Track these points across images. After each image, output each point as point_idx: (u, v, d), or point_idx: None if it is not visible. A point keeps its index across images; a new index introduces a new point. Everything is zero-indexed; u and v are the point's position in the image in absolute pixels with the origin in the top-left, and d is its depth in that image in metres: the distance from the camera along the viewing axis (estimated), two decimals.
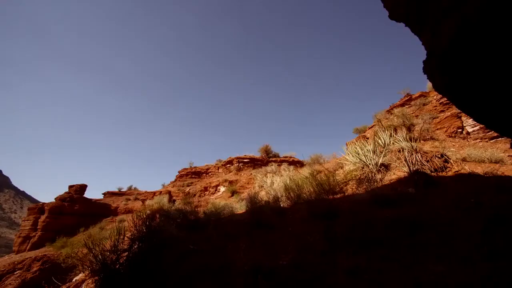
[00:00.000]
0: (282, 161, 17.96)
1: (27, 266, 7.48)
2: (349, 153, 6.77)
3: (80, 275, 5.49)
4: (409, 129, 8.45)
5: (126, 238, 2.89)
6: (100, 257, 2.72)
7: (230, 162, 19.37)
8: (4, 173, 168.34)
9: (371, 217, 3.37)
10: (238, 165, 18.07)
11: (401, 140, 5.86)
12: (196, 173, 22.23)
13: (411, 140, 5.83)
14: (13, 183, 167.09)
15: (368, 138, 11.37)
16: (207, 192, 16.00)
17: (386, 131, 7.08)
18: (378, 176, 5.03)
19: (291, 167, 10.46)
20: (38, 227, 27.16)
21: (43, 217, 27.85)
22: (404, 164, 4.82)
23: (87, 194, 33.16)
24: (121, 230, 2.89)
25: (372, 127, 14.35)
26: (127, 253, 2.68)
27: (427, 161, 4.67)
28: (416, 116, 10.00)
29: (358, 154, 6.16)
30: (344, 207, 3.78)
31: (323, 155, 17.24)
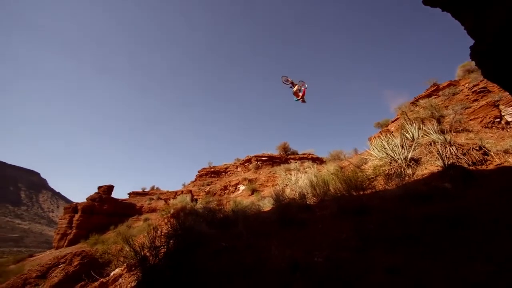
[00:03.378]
0: (301, 158, 17.76)
1: (69, 260, 8.13)
2: (374, 148, 6.54)
3: (117, 269, 5.85)
4: (439, 121, 7.96)
5: (161, 236, 3.03)
6: (139, 253, 2.89)
7: (248, 160, 19.50)
8: (42, 176, 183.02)
9: (405, 214, 3.25)
10: (256, 164, 18.16)
11: (431, 132, 5.55)
12: (215, 173, 22.67)
13: (442, 132, 5.50)
14: (49, 185, 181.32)
15: (392, 132, 10.88)
16: (227, 191, 16.27)
17: (414, 124, 6.74)
18: (409, 171, 4.82)
19: (314, 164, 10.31)
20: (73, 225, 29.31)
21: (77, 216, 30.00)
22: (437, 157, 4.57)
23: (113, 194, 35.25)
24: (157, 228, 3.04)
25: (395, 120, 13.72)
26: (164, 249, 2.82)
27: (464, 154, 4.38)
28: (445, 107, 9.39)
29: (385, 148, 5.93)
30: (375, 203, 3.67)
31: (344, 151, 16.80)
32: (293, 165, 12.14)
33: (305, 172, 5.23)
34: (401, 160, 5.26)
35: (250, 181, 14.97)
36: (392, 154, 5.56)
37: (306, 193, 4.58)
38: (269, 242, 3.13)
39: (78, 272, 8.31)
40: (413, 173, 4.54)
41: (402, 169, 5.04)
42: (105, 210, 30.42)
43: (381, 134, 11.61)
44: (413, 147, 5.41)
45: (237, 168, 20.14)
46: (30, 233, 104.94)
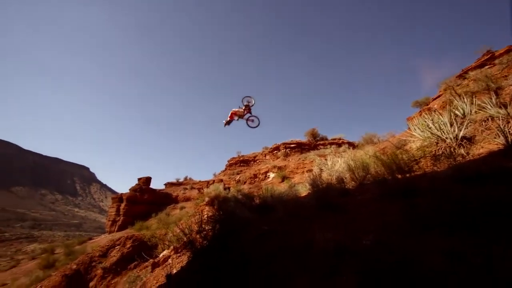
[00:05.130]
0: (330, 144, 17.18)
1: (123, 243, 9.16)
2: (416, 128, 6.02)
3: (165, 251, 6.46)
4: (496, 93, 6.97)
5: (207, 220, 3.21)
6: (189, 235, 3.12)
7: (276, 148, 19.48)
8: (91, 170, 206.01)
9: (460, 196, 2.97)
10: (285, 151, 18.05)
11: (488, 106, 4.90)
12: (244, 162, 23.15)
13: (502, 106, 4.82)
14: (97, 178, 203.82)
15: (435, 110, 9.86)
16: (256, 179, 16.58)
17: (464, 99, 6.00)
18: (461, 151, 4.35)
19: (350, 148, 9.92)
20: (120, 213, 32.70)
21: (122, 205, 33.32)
22: (497, 134, 4.04)
23: (151, 185, 38.38)
24: (202, 213, 3.22)
25: (438, 97, 12.38)
26: (211, 232, 2.99)
27: None
28: (504, 77, 8.14)
29: (430, 128, 5.41)
30: (424, 186, 3.42)
31: (377, 135, 15.80)
32: (328, 149, 11.79)
33: (341, 156, 5.05)
34: (451, 139, 4.77)
35: (280, 168, 15.00)
36: (439, 133, 5.07)
37: (344, 177, 4.44)
38: (310, 226, 3.13)
39: (131, 253, 9.35)
40: (467, 153, 4.10)
41: (452, 149, 4.58)
42: (145, 199, 33.31)
43: (422, 113, 10.61)
44: (465, 124, 4.85)
45: (265, 156, 20.28)
46: (87, 220, 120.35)
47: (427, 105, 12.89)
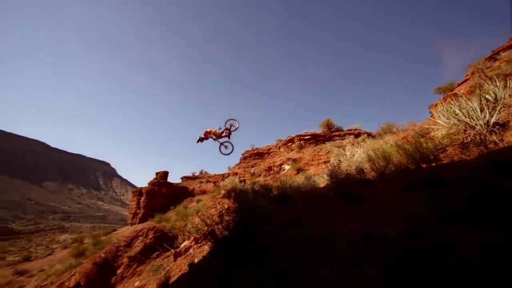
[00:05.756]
0: (346, 134, 16.73)
1: (145, 233, 9.63)
2: (440, 115, 5.68)
3: (186, 242, 6.71)
4: None
5: (228, 211, 3.27)
6: (210, 226, 3.21)
7: (291, 140, 19.31)
8: (112, 166, 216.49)
9: (492, 186, 2.79)
10: (299, 143, 17.86)
11: None
12: (258, 154, 23.23)
13: None
14: (118, 173, 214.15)
15: (461, 96, 9.23)
16: (271, 172, 16.61)
17: (496, 82, 5.55)
18: (492, 138, 4.06)
19: (369, 138, 9.63)
20: (141, 206, 34.21)
21: (142, 198, 34.81)
22: None
23: (168, 179, 39.69)
24: (222, 205, 3.28)
25: (464, 81, 11.57)
26: (232, 222, 3.05)
27: None
28: None
29: (457, 114, 5.08)
30: (452, 175, 3.25)
31: (396, 124, 15.17)
32: (346, 140, 11.52)
33: (360, 146, 4.91)
34: (481, 125, 4.46)
35: (295, 160, 14.89)
36: (467, 120, 4.75)
37: (363, 168, 4.32)
38: (331, 216, 3.10)
39: (153, 243, 9.81)
40: (501, 140, 3.82)
41: (482, 136, 4.28)
42: (163, 193, 34.54)
43: (446, 99, 10.00)
44: (497, 109, 4.51)
45: (279, 148, 20.19)
46: (110, 212, 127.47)
47: (452, 90, 12.11)
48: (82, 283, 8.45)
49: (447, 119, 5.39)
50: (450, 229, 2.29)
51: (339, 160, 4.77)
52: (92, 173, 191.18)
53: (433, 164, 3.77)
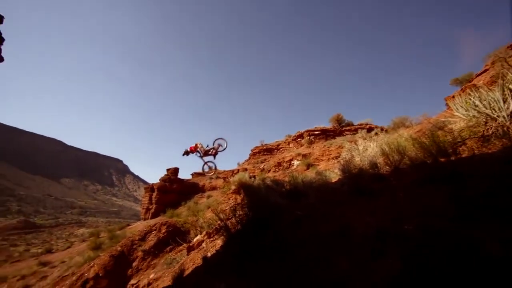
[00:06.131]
0: (357, 129, 16.39)
1: (158, 228, 9.89)
2: (458, 107, 5.45)
3: (198, 236, 6.85)
4: None
5: (241, 205, 3.29)
6: (223, 220, 3.25)
7: (300, 136, 19.14)
8: (124, 163, 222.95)
9: None
10: (309, 138, 17.68)
11: None
12: (267, 150, 23.20)
13: None
14: (130, 170, 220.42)
15: (481, 87, 8.80)
16: (281, 167, 16.58)
17: None
18: None
19: (382, 133, 9.42)
20: (153, 201, 35.09)
21: (154, 194, 35.67)
22: None
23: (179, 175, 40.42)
24: (236, 199, 3.30)
25: (484, 71, 11.01)
26: (245, 217, 3.07)
27: None
28: None
29: (476, 106, 4.86)
30: (472, 169, 3.12)
31: (409, 118, 14.73)
32: (358, 134, 11.31)
33: (373, 140, 4.80)
34: (504, 117, 4.24)
35: (304, 156, 14.77)
36: (488, 112, 4.53)
37: (377, 162, 4.23)
38: (345, 211, 3.06)
39: (166, 237, 10.08)
40: None
41: (505, 128, 4.08)
42: (174, 189, 35.23)
43: (464, 91, 9.57)
44: None
45: (289, 144, 20.08)
46: (124, 208, 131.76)
47: (470, 81, 11.57)
48: (100, 274, 8.83)
49: (466, 111, 5.15)
50: (471, 224, 2.21)
51: (352, 155, 4.69)
52: (106, 170, 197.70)
53: (452, 158, 3.64)
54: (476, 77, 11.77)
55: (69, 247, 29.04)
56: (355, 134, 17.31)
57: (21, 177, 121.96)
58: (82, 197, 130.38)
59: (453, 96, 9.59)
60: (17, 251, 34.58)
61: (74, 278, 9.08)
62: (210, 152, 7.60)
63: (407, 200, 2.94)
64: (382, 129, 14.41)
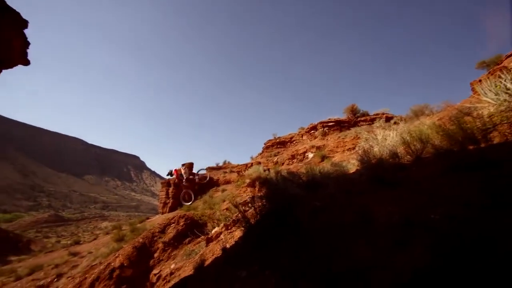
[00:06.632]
0: (373, 120, 15.83)
1: (177, 221, 10.24)
2: (487, 91, 5.09)
3: (216, 228, 7.03)
4: None
5: (260, 197, 3.32)
6: (241, 212, 3.30)
7: (313, 128, 18.83)
8: (141, 159, 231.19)
9: None
10: (323, 130, 17.35)
11: None
12: (281, 143, 23.07)
13: None
14: (147, 165, 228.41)
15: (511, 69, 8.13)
16: (295, 160, 16.48)
17: None
18: None
19: (402, 122, 9.08)
20: (170, 196, 36.23)
21: (171, 189, 36.74)
22: None
23: (193, 170, 41.33)
24: (254, 190, 3.33)
25: None
26: (264, 208, 3.09)
27: None
28: None
29: (508, 89, 4.51)
30: (502, 156, 2.92)
31: (430, 105, 14.01)
32: (377, 123, 10.96)
33: (393, 129, 4.63)
34: None
35: (318, 148, 14.55)
36: None
37: (397, 152, 4.08)
38: (365, 201, 3.00)
39: (184, 230, 10.42)
40: None
41: None
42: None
43: (492, 74, 8.92)
44: None
45: (302, 136, 19.83)
46: (143, 202, 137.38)
47: (499, 64, 10.75)
48: (125, 264, 9.34)
49: (496, 95, 4.81)
50: (502, 213, 2.09)
51: (370, 145, 4.55)
52: (124, 166, 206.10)
53: (482, 145, 3.43)
54: (506, 58, 10.91)
55: (94, 239, 30.88)
56: (370, 124, 16.76)
57: (49, 174, 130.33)
58: (104, 192, 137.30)
59: (480, 80, 8.98)
60: (50, 242, 37.38)
61: (102, 267, 9.68)
62: (190, 181, 7.65)
63: (432, 189, 2.82)
64: (401, 119, 13.85)
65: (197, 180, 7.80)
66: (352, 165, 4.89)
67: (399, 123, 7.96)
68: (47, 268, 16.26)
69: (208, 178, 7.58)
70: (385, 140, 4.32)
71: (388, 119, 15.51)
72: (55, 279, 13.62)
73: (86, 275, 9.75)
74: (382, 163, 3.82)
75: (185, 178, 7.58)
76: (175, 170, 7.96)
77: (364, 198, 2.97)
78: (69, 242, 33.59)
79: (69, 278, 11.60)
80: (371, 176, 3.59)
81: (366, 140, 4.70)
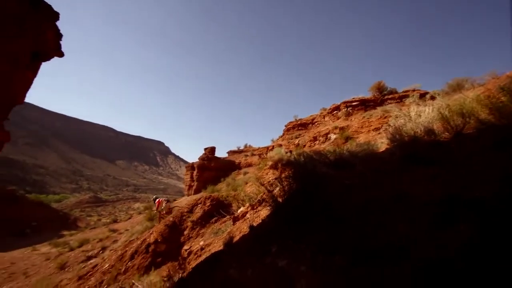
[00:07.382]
0: (402, 97, 14.69)
1: (203, 201, 10.79)
2: None
3: (242, 208, 7.29)
4: None
5: (287, 177, 3.34)
6: (268, 191, 3.36)
7: (336, 108, 18.06)
8: (166, 144, 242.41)
9: None
10: (346, 110, 16.57)
11: None
12: (302, 125, 22.63)
13: None
14: (172, 150, 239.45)
15: None
16: (317, 142, 16.13)
17: None
18: None
19: (440, 96, 8.37)
20: (194, 179, 37.92)
21: (195, 172, 38.35)
22: None
23: (216, 153, 42.52)
24: (282, 170, 3.35)
25: None
26: (294, 186, 3.11)
27: None
28: None
29: None
30: None
31: (470, 78, 12.64)
32: (410, 98, 10.20)
33: (428, 105, 4.28)
34: None
35: (342, 129, 14.02)
36: None
37: (433, 128, 3.80)
38: (399, 179, 2.88)
39: (210, 210, 10.97)
40: None
41: None
42: (212, 167, 37.35)
43: None
44: None
45: (324, 118, 19.18)
46: (169, 185, 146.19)
47: None
48: (159, 240, 10.19)
49: None
50: None
51: (401, 122, 4.28)
52: (151, 152, 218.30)
53: None
54: None
55: (129, 218, 33.91)
56: (399, 102, 15.66)
57: (86, 160, 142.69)
58: (134, 176, 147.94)
59: None
60: (92, 220, 41.82)
61: (138, 242, 10.68)
62: (168, 212, 10.07)
63: (475, 167, 2.61)
64: (437, 93, 12.72)
65: (163, 212, 10.48)
66: (380, 144, 4.66)
67: (436, 97, 7.32)
68: (93, 242, 18.38)
69: (171, 212, 10.07)
70: (419, 116, 4.03)
71: (421, 95, 14.33)
72: (101, 251, 15.40)
73: (126, 249, 10.84)
74: (416, 141, 3.59)
75: (163, 213, 10.43)
76: (158, 199, 10.86)
77: (398, 176, 2.85)
78: (108, 220, 37.32)
79: (112, 251, 13.01)
80: (404, 154, 3.41)
81: (397, 117, 4.42)
